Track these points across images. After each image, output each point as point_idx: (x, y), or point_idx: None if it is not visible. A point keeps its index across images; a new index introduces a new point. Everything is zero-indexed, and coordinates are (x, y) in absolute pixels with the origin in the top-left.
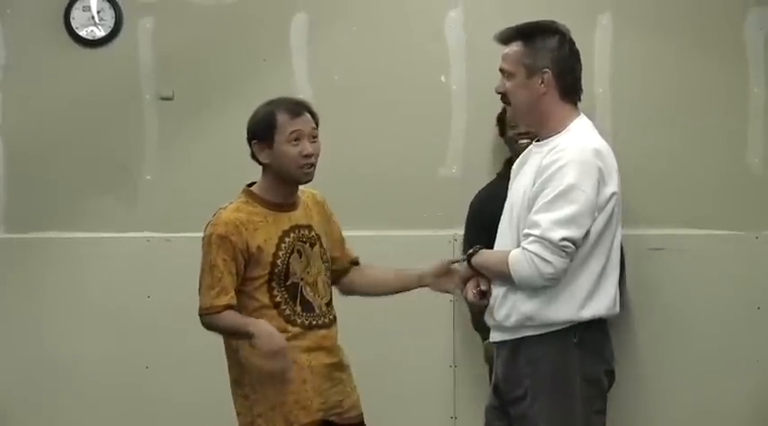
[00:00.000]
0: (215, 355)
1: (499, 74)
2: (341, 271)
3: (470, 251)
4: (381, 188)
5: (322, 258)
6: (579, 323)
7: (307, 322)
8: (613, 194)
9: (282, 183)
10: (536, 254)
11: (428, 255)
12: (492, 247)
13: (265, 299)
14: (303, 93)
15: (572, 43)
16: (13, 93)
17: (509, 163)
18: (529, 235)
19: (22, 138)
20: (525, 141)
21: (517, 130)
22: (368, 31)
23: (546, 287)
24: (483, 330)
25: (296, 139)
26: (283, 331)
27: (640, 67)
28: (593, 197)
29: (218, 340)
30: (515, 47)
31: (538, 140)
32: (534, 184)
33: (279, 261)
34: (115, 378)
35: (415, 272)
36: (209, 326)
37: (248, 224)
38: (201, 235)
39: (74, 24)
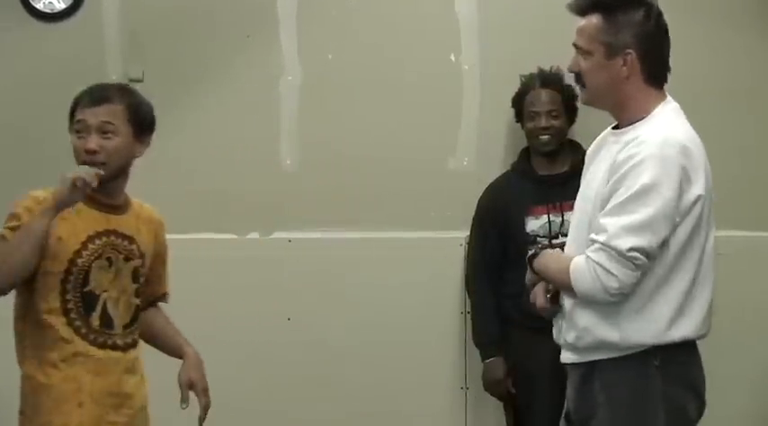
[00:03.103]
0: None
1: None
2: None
3: (531, 252)
4: (381, 183)
5: (134, 277)
6: (663, 346)
7: (101, 339)
8: (700, 196)
9: None
10: (600, 265)
11: (435, 260)
12: (503, 250)
13: (56, 303)
14: (292, 73)
15: (659, 16)
16: None
17: (525, 154)
18: (594, 241)
19: None
20: (546, 137)
21: (537, 124)
22: (367, 2)
23: (619, 303)
24: (484, 345)
25: (79, 131)
26: (68, 342)
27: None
28: (673, 200)
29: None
30: (593, 20)
31: (615, 127)
32: (608, 181)
33: (80, 261)
34: None
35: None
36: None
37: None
38: (174, 236)
39: None
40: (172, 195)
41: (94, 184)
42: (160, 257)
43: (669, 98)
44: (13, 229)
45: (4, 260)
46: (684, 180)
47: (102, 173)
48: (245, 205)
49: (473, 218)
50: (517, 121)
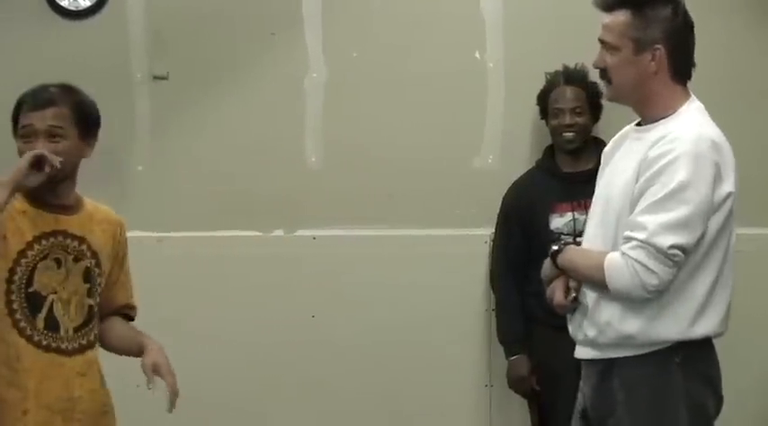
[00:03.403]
0: (207, 374)
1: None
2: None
3: (555, 247)
4: (406, 180)
5: (86, 277)
6: (684, 342)
7: (45, 342)
8: (730, 193)
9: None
10: (639, 262)
11: (460, 258)
12: (528, 247)
13: (1, 302)
14: (317, 71)
15: (686, 13)
16: None
17: (550, 151)
18: (631, 238)
19: None
20: (571, 134)
21: (562, 121)
22: (391, 0)
23: (647, 300)
24: (509, 343)
25: (26, 136)
26: (12, 345)
27: None
28: (708, 196)
29: (211, 356)
30: (621, 16)
31: (639, 124)
32: (638, 177)
33: (24, 262)
34: None
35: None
36: None
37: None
38: (199, 234)
39: None
40: (197, 192)
41: (56, 164)
42: (118, 259)
43: (693, 97)
44: None
45: None
46: (717, 177)
47: (60, 159)
48: (270, 202)
49: (498, 216)
50: (542, 119)
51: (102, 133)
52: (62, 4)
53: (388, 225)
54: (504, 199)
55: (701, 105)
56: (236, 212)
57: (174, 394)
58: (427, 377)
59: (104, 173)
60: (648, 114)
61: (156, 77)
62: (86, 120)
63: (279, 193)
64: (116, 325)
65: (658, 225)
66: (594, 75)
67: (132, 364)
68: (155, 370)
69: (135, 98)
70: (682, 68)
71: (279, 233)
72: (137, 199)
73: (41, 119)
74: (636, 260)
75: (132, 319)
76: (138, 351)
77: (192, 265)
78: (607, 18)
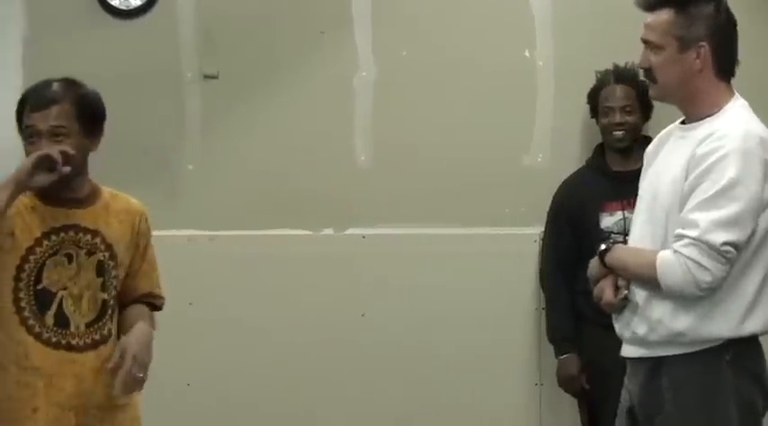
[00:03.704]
0: (259, 371)
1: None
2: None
3: (604, 246)
4: (456, 179)
5: (99, 271)
6: (733, 340)
7: (54, 339)
8: None
9: None
10: (692, 259)
11: (510, 256)
12: (577, 246)
13: (8, 300)
14: (366, 70)
15: (728, 10)
16: (37, 71)
17: (600, 150)
18: (683, 236)
19: None
20: (621, 133)
21: (612, 120)
22: None
23: (699, 298)
24: (558, 342)
25: (30, 136)
26: (20, 343)
27: None
28: (758, 193)
29: (262, 354)
30: (665, 15)
31: (683, 122)
32: (687, 175)
33: (32, 258)
34: (154, 396)
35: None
36: None
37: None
38: (250, 233)
39: None
40: (247, 191)
41: (64, 169)
42: (139, 249)
43: (737, 94)
44: None
45: None
46: (765, 174)
47: (71, 152)
48: (320, 201)
49: (547, 215)
50: (592, 117)
51: (152, 132)
52: (113, 3)
53: (437, 223)
54: (553, 197)
55: (746, 102)
56: (286, 211)
57: (130, 382)
58: (477, 375)
59: (155, 171)
60: (694, 112)
61: (206, 76)
62: (90, 115)
63: (328, 192)
64: (130, 312)
65: (710, 222)
66: None
67: (179, 359)
68: (122, 353)
69: (185, 97)
70: (726, 65)
71: (329, 231)
72: (188, 197)
73: (44, 120)
74: (689, 257)
75: (158, 308)
76: None
77: (242, 264)
78: (650, 17)
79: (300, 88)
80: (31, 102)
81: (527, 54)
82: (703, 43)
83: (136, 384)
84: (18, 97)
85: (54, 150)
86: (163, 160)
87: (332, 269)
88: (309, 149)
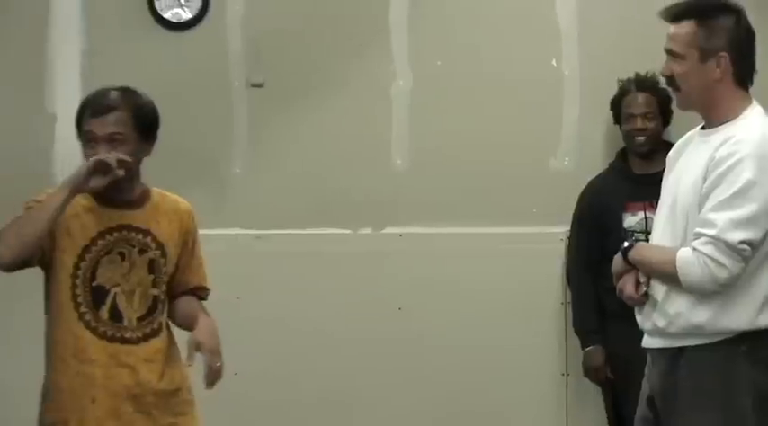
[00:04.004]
0: (300, 361)
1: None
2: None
3: (626, 244)
4: (487, 181)
5: (151, 268)
6: (750, 332)
7: (110, 332)
8: None
9: None
10: (710, 257)
11: (537, 254)
12: (601, 245)
13: (67, 297)
14: (403, 78)
15: (747, 22)
16: (95, 80)
17: (623, 154)
18: (702, 234)
19: None
20: (642, 138)
21: (634, 126)
22: (473, 11)
23: (716, 292)
24: (584, 334)
25: (89, 141)
26: (79, 337)
27: None
28: None
29: (303, 345)
30: (687, 26)
31: (703, 127)
32: (707, 176)
33: (88, 257)
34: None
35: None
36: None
37: (67, 206)
38: (293, 232)
39: (158, 6)
40: (291, 193)
41: (119, 172)
42: (187, 247)
43: (755, 102)
44: (29, 208)
45: (17, 231)
46: None
47: (127, 159)
48: (359, 202)
49: (573, 215)
50: (615, 123)
51: (202, 137)
52: (165, 16)
53: (469, 222)
54: (579, 198)
55: (762, 109)
56: (327, 211)
57: (213, 372)
58: (507, 366)
59: (204, 174)
60: (713, 118)
61: (252, 85)
62: (145, 123)
63: (367, 194)
64: (181, 303)
65: (727, 221)
66: (665, 82)
67: (227, 352)
68: (197, 348)
69: (233, 104)
70: (744, 74)
71: (367, 231)
72: (235, 199)
73: (102, 126)
74: (707, 255)
75: (204, 299)
76: (191, 327)
77: (286, 260)
78: (673, 28)
79: (341, 96)
80: (91, 109)
81: (554, 64)
82: (723, 53)
83: (218, 373)
84: (79, 103)
85: (110, 156)
86: (212, 163)
87: (370, 266)
88: (349, 153)
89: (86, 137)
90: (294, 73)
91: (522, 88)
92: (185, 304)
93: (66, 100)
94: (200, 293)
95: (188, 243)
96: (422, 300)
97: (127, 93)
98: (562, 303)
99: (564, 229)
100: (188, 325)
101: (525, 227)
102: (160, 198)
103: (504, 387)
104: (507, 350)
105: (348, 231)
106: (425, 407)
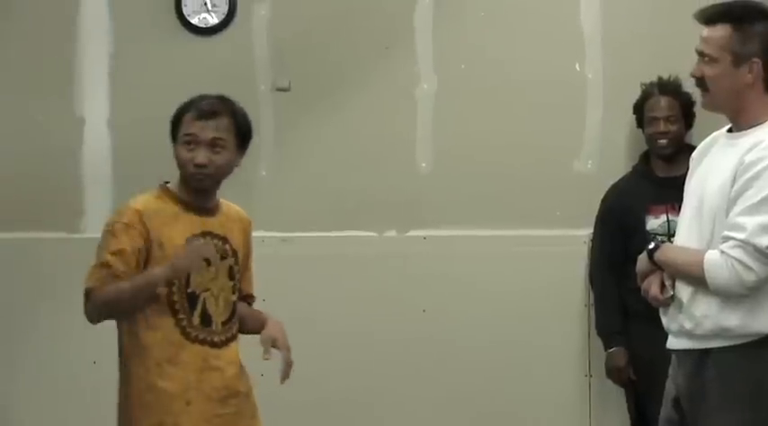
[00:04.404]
0: (325, 361)
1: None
2: None
3: (653, 245)
4: (510, 184)
5: (230, 274)
6: None
7: (201, 336)
8: None
9: (188, 184)
10: (738, 260)
11: (561, 256)
12: (624, 247)
13: (165, 304)
14: (427, 82)
15: None
16: (122, 83)
17: (645, 157)
18: (730, 238)
19: (132, 131)
20: (665, 141)
21: (656, 129)
22: (497, 15)
23: (743, 296)
24: (607, 336)
25: (189, 143)
26: (174, 342)
27: None
28: None
29: (329, 345)
30: (722, 30)
31: (730, 130)
32: (735, 179)
33: None
34: None
35: (263, 318)
36: (100, 308)
37: (155, 217)
38: (319, 234)
39: (186, 11)
40: (316, 196)
41: (216, 261)
42: (246, 255)
43: None
44: (114, 254)
45: (115, 302)
46: None
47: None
48: (384, 205)
49: (596, 217)
50: (638, 127)
51: None
52: (192, 21)
53: (493, 225)
54: (602, 201)
55: None
56: (352, 214)
57: (288, 366)
58: (531, 367)
59: (231, 177)
60: (742, 121)
61: (278, 89)
62: (245, 131)
63: (392, 196)
64: (238, 308)
65: (756, 225)
66: (687, 86)
67: (250, 354)
68: (273, 344)
69: (259, 108)
70: None
71: (392, 233)
72: (261, 201)
73: (205, 130)
74: (735, 258)
75: (251, 305)
76: (260, 328)
77: (311, 262)
78: (707, 31)
79: (366, 99)
80: (195, 112)
81: (577, 67)
82: (757, 59)
83: (291, 367)
84: (106, 105)
85: (212, 251)
86: (238, 166)
87: (395, 268)
88: (374, 156)
89: (187, 139)
90: (319, 76)
91: (546, 91)
92: (244, 308)
93: (94, 103)
94: (249, 300)
95: (248, 252)
96: (446, 302)
97: (227, 100)
98: (585, 305)
99: (587, 232)
100: (251, 327)
101: (548, 230)
102: (227, 207)
103: (527, 389)
104: (531, 352)
105: (373, 234)
106: (449, 408)
